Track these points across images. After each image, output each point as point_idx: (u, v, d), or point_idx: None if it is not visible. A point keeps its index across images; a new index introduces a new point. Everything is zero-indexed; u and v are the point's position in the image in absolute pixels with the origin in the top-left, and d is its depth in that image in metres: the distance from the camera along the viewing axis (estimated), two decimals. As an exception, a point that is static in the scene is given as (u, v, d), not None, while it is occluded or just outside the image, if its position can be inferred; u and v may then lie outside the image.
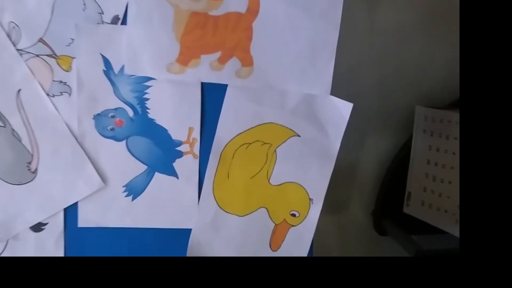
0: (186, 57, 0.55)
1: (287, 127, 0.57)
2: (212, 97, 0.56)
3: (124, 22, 0.54)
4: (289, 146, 0.57)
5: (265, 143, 0.57)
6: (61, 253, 0.58)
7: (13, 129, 0.55)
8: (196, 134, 0.57)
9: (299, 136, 0.57)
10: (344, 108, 0.55)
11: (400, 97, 1.22)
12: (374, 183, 1.28)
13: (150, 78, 0.55)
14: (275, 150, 0.57)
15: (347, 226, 1.35)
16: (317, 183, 0.57)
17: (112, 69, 0.55)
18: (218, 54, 0.55)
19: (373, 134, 1.27)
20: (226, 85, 0.56)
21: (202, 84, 0.56)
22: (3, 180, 0.56)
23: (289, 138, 0.57)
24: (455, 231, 1.04)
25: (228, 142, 0.57)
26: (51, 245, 0.57)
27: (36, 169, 0.56)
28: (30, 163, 0.56)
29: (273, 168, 0.57)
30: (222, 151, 0.57)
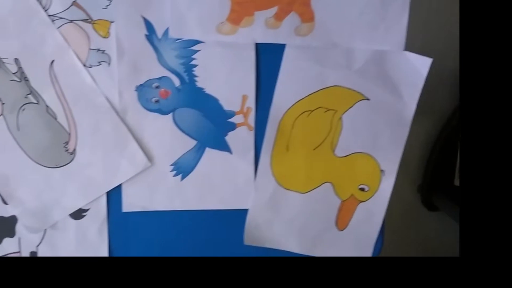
0: (238, 14, 0.50)
1: (354, 90, 0.53)
2: (268, 60, 0.53)
3: (167, -22, 0.50)
4: (357, 112, 0.53)
5: (329, 110, 0.53)
6: (104, 242, 0.55)
7: (47, 106, 0.51)
8: (251, 103, 0.53)
9: (368, 99, 0.53)
10: (422, 64, 0.51)
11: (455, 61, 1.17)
12: (420, 157, 1.23)
13: (197, 42, 0.52)
14: (341, 117, 0.53)
15: (392, 204, 1.31)
16: (389, 153, 0.53)
17: (155, 33, 0.51)
18: (274, 10, 0.51)
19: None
20: (283, 45, 0.52)
21: (257, 45, 0.52)
22: (38, 163, 0.53)
23: (356, 102, 0.53)
24: None
25: (287, 111, 0.53)
26: (93, 233, 0.54)
27: (74, 150, 0.52)
28: (67, 143, 0.52)
29: (338, 138, 0.53)
30: (280, 120, 0.53)
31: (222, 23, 0.54)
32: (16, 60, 0.53)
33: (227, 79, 0.55)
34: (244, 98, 0.56)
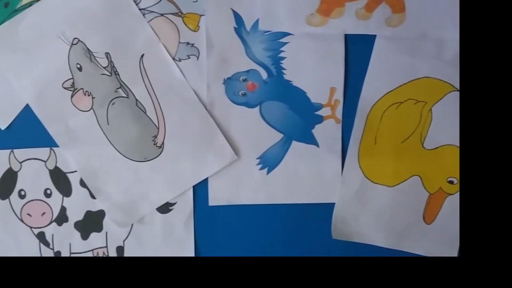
0: (328, 6, 0.50)
1: (444, 81, 0.52)
2: (357, 51, 0.53)
3: (257, -29, 0.50)
4: (447, 103, 0.52)
5: (418, 101, 0.52)
6: (191, 236, 0.55)
7: (137, 100, 0.52)
8: (339, 95, 0.53)
9: (459, 90, 0.52)
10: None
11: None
12: None
13: (286, 34, 0.52)
14: (431, 109, 0.53)
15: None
16: (481, 144, 0.52)
17: (244, 26, 0.51)
18: (365, 1, 0.51)
19: None
20: (373, 37, 0.52)
21: (346, 36, 0.51)
22: (127, 157, 0.53)
23: (447, 93, 0.52)
24: None
25: (376, 103, 0.53)
26: (180, 227, 0.55)
27: (162, 143, 0.53)
28: (155, 136, 0.53)
29: (427, 130, 0.53)
30: (369, 113, 0.53)
31: (312, 14, 0.54)
32: (107, 54, 0.54)
33: (315, 71, 0.55)
34: (332, 90, 0.56)
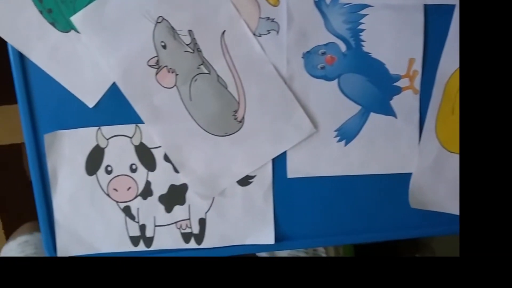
0: (408, -24, 0.51)
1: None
2: (436, 22, 0.54)
3: None
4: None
5: (498, 70, 0.52)
6: (270, 207, 0.58)
7: (218, 75, 0.54)
8: (417, 66, 0.54)
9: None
10: None
11: None
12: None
13: (365, 6, 0.53)
14: (510, 77, 0.53)
15: None
16: None
17: (323, -2, 0.52)
18: (445, -29, 0.51)
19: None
20: (453, 6, 0.52)
21: (425, 7, 0.52)
22: (208, 132, 0.55)
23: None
24: None
25: (453, 73, 0.54)
26: (259, 199, 0.57)
27: (242, 118, 0.55)
28: (236, 111, 0.55)
29: (506, 98, 0.53)
30: (447, 83, 0.54)
31: (392, -15, 0.54)
32: (190, 31, 0.56)
33: (394, 42, 0.56)
34: (411, 61, 0.57)
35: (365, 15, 0.55)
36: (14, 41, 0.54)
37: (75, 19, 0.54)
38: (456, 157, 0.58)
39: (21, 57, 0.55)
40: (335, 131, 0.58)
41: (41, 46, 0.55)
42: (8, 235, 1.37)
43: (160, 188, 0.60)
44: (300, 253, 0.70)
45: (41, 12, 0.54)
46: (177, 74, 0.56)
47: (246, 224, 0.60)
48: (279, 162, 0.59)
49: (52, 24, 0.55)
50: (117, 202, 0.60)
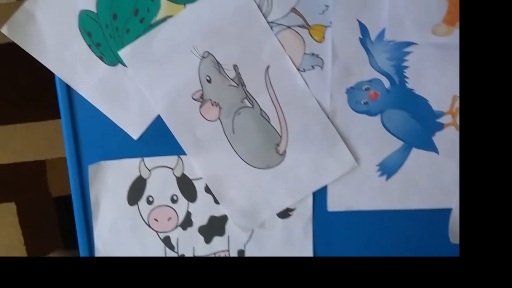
0: (454, 16, 0.52)
1: None
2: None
3: (384, -19, 0.51)
4: None
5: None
6: (309, 240, 0.58)
7: (261, 109, 0.54)
8: (461, 102, 0.53)
9: None
10: None
11: None
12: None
13: (410, 43, 0.53)
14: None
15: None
16: None
17: (368, 36, 0.53)
18: (491, 10, 0.51)
19: None
20: None
21: (471, 45, 0.52)
22: (250, 165, 0.56)
23: None
24: None
25: (497, 110, 0.53)
26: (299, 231, 0.57)
27: (284, 151, 0.55)
28: (278, 144, 0.55)
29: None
30: (490, 120, 0.53)
31: (437, 24, 0.55)
32: (235, 66, 0.56)
33: (438, 79, 0.56)
34: (455, 98, 0.57)
35: (409, 52, 0.56)
36: (62, 74, 0.55)
37: (123, 53, 0.55)
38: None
39: (68, 88, 0.56)
40: (377, 165, 0.59)
41: (89, 79, 0.56)
42: (29, 251, 1.38)
43: (200, 219, 0.60)
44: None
45: (89, 46, 0.55)
46: (220, 108, 0.57)
47: (285, 255, 0.60)
48: (319, 195, 0.60)
49: (100, 57, 0.55)
50: (157, 232, 0.60)
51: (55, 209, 1.30)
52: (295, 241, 0.60)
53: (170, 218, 0.60)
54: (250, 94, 0.57)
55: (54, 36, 0.54)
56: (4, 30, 0.53)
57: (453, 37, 0.55)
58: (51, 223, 1.35)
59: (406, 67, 0.56)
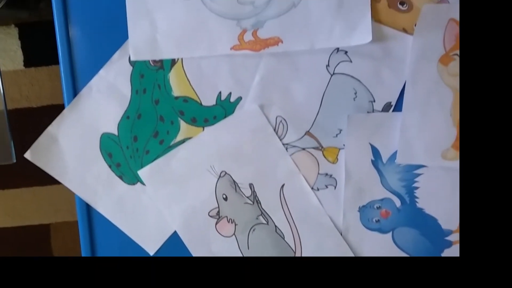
0: (463, 142, 0.52)
1: None
2: (489, 182, 0.54)
3: (396, 108, 0.53)
4: None
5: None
6: None
7: (276, 226, 0.55)
8: (470, 222, 0.54)
9: None
10: None
11: None
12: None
13: (420, 166, 0.54)
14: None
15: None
16: None
17: (380, 158, 0.54)
18: (498, 137, 0.52)
19: None
20: None
21: (479, 169, 0.53)
22: (263, 279, 0.55)
23: None
24: None
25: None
26: None
27: (298, 266, 0.55)
28: (292, 260, 0.55)
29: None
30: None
31: (447, 149, 0.56)
32: (251, 184, 0.57)
33: (448, 199, 0.58)
34: (464, 218, 0.58)
35: (420, 174, 0.57)
36: (82, 194, 0.56)
37: (142, 173, 0.56)
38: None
39: (87, 206, 0.57)
40: (387, 280, 0.59)
41: (108, 197, 0.57)
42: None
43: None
44: None
45: (110, 166, 0.56)
46: (236, 224, 0.58)
47: None
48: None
49: (120, 177, 0.56)
50: None
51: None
52: None
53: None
54: (265, 211, 0.58)
55: (76, 158, 0.56)
56: (28, 155, 0.54)
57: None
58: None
59: (416, 187, 0.58)
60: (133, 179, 0.57)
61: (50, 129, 0.55)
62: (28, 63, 1.18)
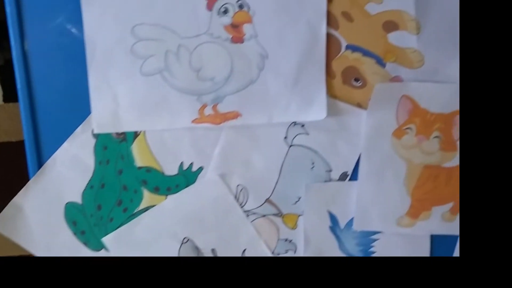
0: (417, 210, 0.55)
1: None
2: (441, 249, 0.56)
3: (352, 178, 0.55)
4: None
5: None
6: None
7: (237, 289, 0.56)
8: (424, 285, 0.57)
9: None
10: None
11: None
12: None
13: (376, 232, 0.56)
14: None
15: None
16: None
17: (338, 224, 0.56)
18: (450, 205, 0.56)
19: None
20: (456, 237, 0.55)
21: (431, 237, 0.56)
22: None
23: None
24: None
25: None
26: None
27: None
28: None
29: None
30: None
31: (401, 217, 0.58)
32: (213, 250, 0.59)
33: (403, 264, 0.60)
34: (418, 281, 0.60)
35: (376, 239, 0.59)
36: (48, 260, 0.57)
37: (106, 240, 0.58)
38: None
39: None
40: None
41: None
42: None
43: None
44: None
45: (74, 234, 0.57)
46: None
47: None
48: None
49: (85, 243, 0.58)
50: None
51: None
52: None
53: None
54: (226, 275, 0.59)
55: (41, 227, 0.57)
56: (-7, 226, 0.56)
57: (416, 228, 0.59)
58: None
59: (373, 252, 0.60)
60: (97, 245, 0.58)
61: (16, 199, 0.56)
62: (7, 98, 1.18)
